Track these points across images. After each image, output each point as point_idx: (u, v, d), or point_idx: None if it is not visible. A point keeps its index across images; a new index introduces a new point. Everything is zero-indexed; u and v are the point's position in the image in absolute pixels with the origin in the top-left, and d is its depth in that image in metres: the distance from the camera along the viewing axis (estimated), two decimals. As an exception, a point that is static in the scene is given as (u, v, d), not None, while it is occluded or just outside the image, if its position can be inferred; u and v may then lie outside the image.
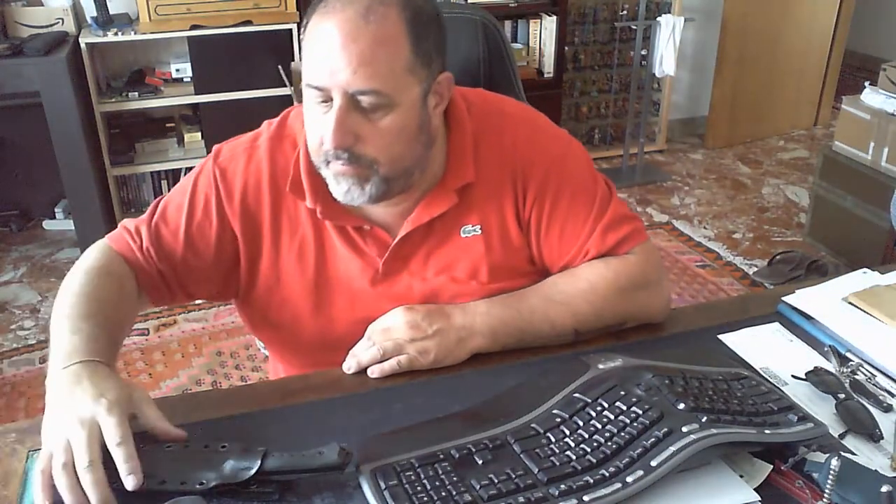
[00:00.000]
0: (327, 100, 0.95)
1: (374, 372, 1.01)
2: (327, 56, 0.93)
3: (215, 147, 1.13)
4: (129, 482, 0.79)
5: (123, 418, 0.83)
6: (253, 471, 0.80)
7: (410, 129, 0.99)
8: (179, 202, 1.09)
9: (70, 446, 0.80)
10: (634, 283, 1.09)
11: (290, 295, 1.11)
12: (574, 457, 0.81)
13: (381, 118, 0.96)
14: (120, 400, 0.84)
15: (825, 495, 0.79)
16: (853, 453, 0.88)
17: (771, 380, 1.00)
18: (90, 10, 3.21)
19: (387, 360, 1.02)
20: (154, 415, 0.87)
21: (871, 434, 0.91)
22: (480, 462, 0.81)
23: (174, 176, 3.48)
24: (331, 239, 1.09)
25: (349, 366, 1.03)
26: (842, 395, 0.96)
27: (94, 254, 1.09)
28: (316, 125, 0.97)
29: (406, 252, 1.09)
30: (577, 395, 0.89)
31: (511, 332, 1.06)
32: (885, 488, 0.76)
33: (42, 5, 3.20)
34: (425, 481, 0.78)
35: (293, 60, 3.24)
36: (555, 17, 3.72)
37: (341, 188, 1.00)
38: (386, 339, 1.03)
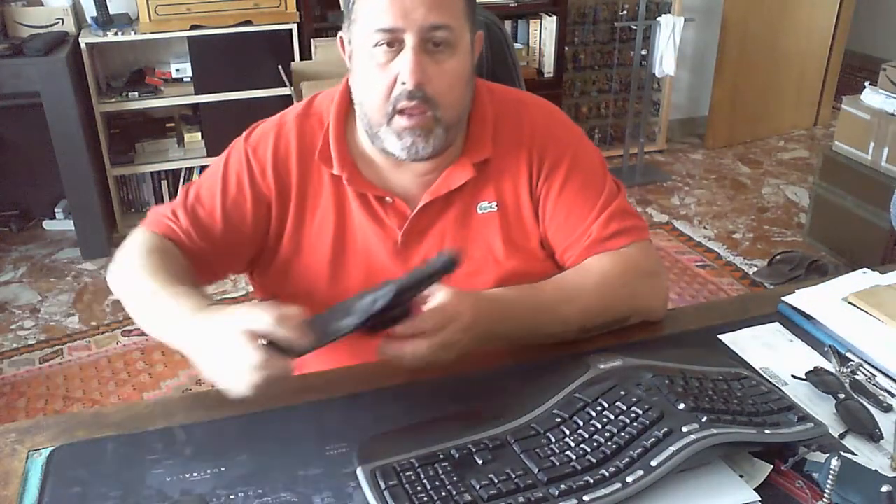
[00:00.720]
0: (395, 45, 1.00)
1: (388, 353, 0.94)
2: None
3: (245, 132, 1.16)
4: (302, 343, 0.84)
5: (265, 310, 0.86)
6: (389, 296, 0.83)
7: (466, 74, 1.06)
8: (212, 184, 1.12)
9: (240, 342, 0.84)
10: (640, 271, 1.11)
11: (310, 265, 1.13)
12: (574, 457, 0.81)
13: (446, 60, 1.02)
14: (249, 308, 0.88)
15: (825, 495, 0.79)
16: (853, 453, 0.88)
17: (771, 380, 1.00)
18: (90, 10, 3.21)
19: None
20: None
21: (871, 434, 0.91)
22: (480, 462, 0.81)
23: (174, 176, 3.49)
24: (352, 210, 1.12)
25: (390, 353, 0.93)
26: (842, 395, 0.96)
27: (140, 238, 1.10)
28: (379, 77, 1.01)
29: (424, 225, 1.12)
30: (577, 395, 0.89)
31: (524, 325, 1.04)
32: (885, 488, 0.76)
33: (42, 5, 3.20)
34: (425, 481, 0.78)
35: (293, 60, 3.24)
36: (555, 17, 3.72)
37: (404, 143, 1.03)
38: (440, 340, 0.93)
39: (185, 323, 0.92)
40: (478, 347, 0.99)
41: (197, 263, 1.10)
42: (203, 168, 3.43)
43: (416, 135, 1.03)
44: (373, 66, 1.02)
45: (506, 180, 1.13)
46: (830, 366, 1.04)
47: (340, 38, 1.10)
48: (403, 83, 1.00)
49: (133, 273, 1.04)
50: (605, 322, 1.09)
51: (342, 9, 1.09)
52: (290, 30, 3.27)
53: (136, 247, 1.08)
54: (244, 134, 1.16)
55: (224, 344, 0.86)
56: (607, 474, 0.79)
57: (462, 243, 1.12)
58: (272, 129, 1.14)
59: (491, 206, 1.13)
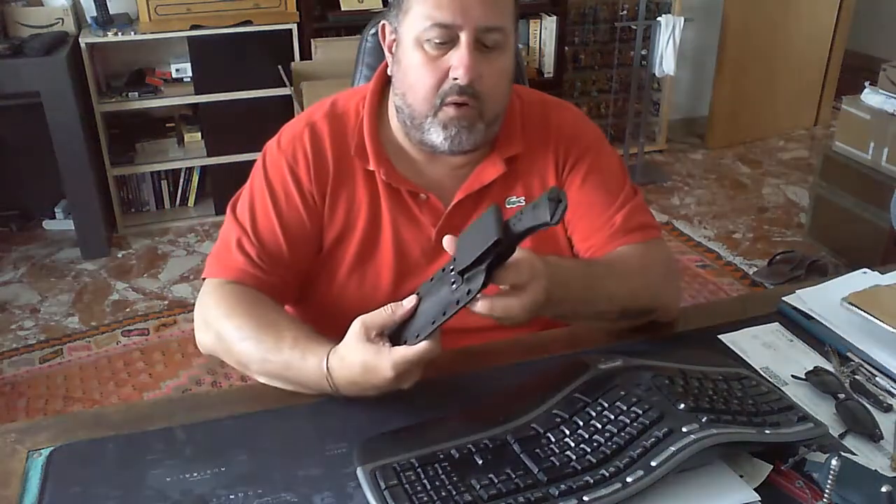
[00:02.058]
0: (448, 41, 1.01)
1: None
2: None
3: (269, 143, 1.16)
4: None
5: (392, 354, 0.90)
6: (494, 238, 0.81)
7: (511, 73, 1.08)
8: (262, 203, 1.11)
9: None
10: (669, 266, 1.15)
11: (339, 263, 1.14)
12: (574, 457, 0.81)
13: (496, 59, 1.04)
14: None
15: (825, 495, 0.79)
16: (853, 453, 0.88)
17: (771, 380, 1.00)
18: (90, 10, 3.21)
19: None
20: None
21: (871, 434, 0.91)
22: (480, 462, 0.81)
23: (174, 176, 3.49)
24: (385, 207, 1.13)
25: (484, 311, 0.89)
26: (842, 395, 0.96)
27: (218, 294, 1.06)
28: (430, 70, 1.03)
29: (457, 222, 1.12)
30: (577, 395, 0.89)
31: (577, 295, 1.00)
32: (885, 488, 0.76)
33: (42, 5, 3.20)
34: (425, 481, 0.78)
35: (293, 60, 3.24)
36: (555, 17, 3.72)
37: (448, 133, 1.05)
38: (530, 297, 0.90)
39: (324, 381, 0.95)
40: (532, 316, 0.93)
41: (275, 290, 1.09)
42: (203, 168, 3.44)
43: (461, 126, 1.04)
44: (423, 59, 1.03)
45: (534, 176, 1.15)
46: (830, 366, 1.04)
47: (383, 25, 1.10)
48: (455, 79, 1.02)
49: (235, 344, 1.01)
50: (641, 309, 1.09)
51: (391, 1, 1.09)
52: (290, 30, 3.27)
53: (220, 309, 1.04)
54: (273, 143, 1.15)
55: (367, 368, 0.90)
56: (607, 474, 0.79)
57: None
58: (304, 130, 1.13)
59: (519, 201, 1.15)
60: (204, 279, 1.10)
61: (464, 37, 1.01)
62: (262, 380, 1.00)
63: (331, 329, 1.18)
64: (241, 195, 1.14)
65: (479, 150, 1.10)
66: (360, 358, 0.90)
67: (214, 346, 1.05)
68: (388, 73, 1.12)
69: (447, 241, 0.89)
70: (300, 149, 1.12)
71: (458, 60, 1.01)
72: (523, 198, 1.15)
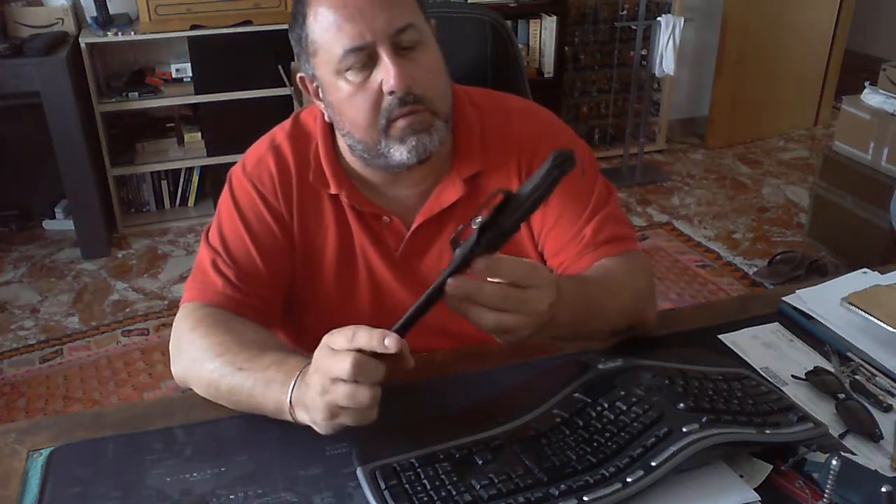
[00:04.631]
0: (368, 61, 0.98)
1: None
2: (358, 13, 0.96)
3: (233, 169, 1.13)
4: (392, 342, 0.77)
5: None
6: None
7: (442, 63, 1.04)
8: (233, 227, 1.09)
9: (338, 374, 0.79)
10: (648, 279, 1.09)
11: (316, 283, 1.12)
12: (574, 457, 0.81)
13: (421, 55, 1.00)
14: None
15: (825, 495, 0.79)
16: (853, 453, 0.88)
17: (771, 380, 1.00)
18: (90, 10, 3.21)
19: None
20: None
21: (871, 434, 0.91)
22: (480, 462, 0.81)
23: (174, 176, 3.49)
24: (354, 229, 1.11)
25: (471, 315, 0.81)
26: (842, 395, 0.96)
27: (192, 318, 1.02)
28: (362, 99, 0.99)
29: (421, 245, 1.11)
30: (577, 395, 0.89)
31: (576, 316, 0.93)
32: (885, 488, 0.76)
33: (42, 5, 3.20)
34: (425, 481, 0.78)
35: (293, 60, 3.23)
36: (555, 17, 3.72)
37: (409, 144, 1.01)
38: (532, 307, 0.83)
39: (286, 398, 0.87)
40: (534, 338, 0.87)
41: (255, 312, 1.06)
42: (203, 168, 3.44)
43: (418, 131, 1.01)
44: (351, 89, 0.99)
45: None
46: (830, 366, 1.04)
47: (301, 77, 1.07)
48: (391, 93, 0.98)
49: (206, 369, 0.95)
50: (629, 326, 1.04)
51: (295, 50, 1.06)
52: (290, 30, 3.27)
53: (195, 332, 0.99)
54: (238, 168, 1.13)
55: (319, 366, 0.81)
56: (607, 474, 0.79)
57: None
58: (267, 152, 1.12)
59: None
60: (180, 306, 1.06)
61: (381, 50, 0.97)
62: (230, 405, 0.95)
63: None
64: (212, 223, 1.12)
65: (436, 154, 1.05)
66: (316, 359, 0.83)
67: (185, 373, 0.99)
68: (327, 119, 1.08)
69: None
70: (265, 171, 1.10)
71: (385, 74, 0.97)
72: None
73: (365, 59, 0.97)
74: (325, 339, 0.82)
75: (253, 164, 1.12)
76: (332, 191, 1.09)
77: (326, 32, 0.98)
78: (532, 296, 0.81)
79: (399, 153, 1.01)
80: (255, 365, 0.91)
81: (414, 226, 1.10)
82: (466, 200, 1.09)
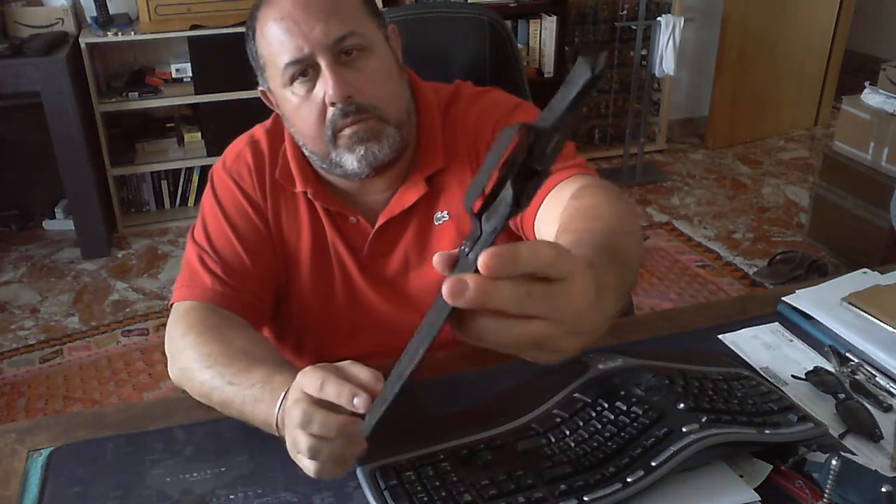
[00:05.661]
0: (308, 71, 0.99)
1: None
2: (295, 26, 0.97)
3: (214, 166, 1.14)
4: (361, 403, 0.73)
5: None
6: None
7: (392, 69, 1.04)
8: (217, 224, 1.09)
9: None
10: (620, 194, 0.96)
11: (296, 278, 1.12)
12: (574, 457, 0.81)
13: (365, 63, 1.00)
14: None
15: (825, 495, 0.79)
16: (853, 453, 0.88)
17: (771, 380, 1.00)
18: (90, 10, 3.21)
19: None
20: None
21: (871, 434, 0.91)
22: (480, 462, 0.80)
23: (174, 176, 3.49)
24: (325, 226, 1.11)
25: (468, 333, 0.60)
26: (842, 395, 0.96)
27: (185, 319, 1.00)
28: (308, 110, 1.00)
29: (385, 244, 1.12)
30: (577, 395, 0.89)
31: (620, 292, 0.70)
32: (885, 488, 0.76)
33: (42, 5, 3.21)
34: (425, 481, 0.78)
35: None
36: (555, 17, 3.72)
37: (356, 155, 1.01)
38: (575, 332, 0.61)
39: (274, 413, 0.84)
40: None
41: (245, 310, 1.05)
42: (203, 168, 3.44)
43: (366, 140, 1.00)
44: (297, 101, 1.00)
45: (455, 187, 1.10)
46: (830, 366, 1.04)
47: (262, 92, 1.09)
48: (333, 104, 0.98)
49: (197, 380, 0.94)
50: (640, 254, 0.84)
51: (253, 66, 1.09)
52: (290, 30, 3.27)
53: (187, 338, 0.97)
54: (219, 164, 1.14)
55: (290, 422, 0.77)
56: (607, 474, 0.79)
57: (423, 257, 1.11)
58: (245, 147, 1.13)
59: (444, 216, 1.11)
60: (171, 305, 1.05)
61: (321, 60, 0.97)
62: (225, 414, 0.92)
63: (304, 348, 1.19)
64: (197, 221, 1.12)
65: (400, 160, 1.07)
66: (287, 399, 0.79)
67: (179, 380, 0.98)
68: (290, 131, 1.09)
69: (437, 259, 0.57)
70: (243, 164, 1.11)
71: (324, 85, 0.97)
72: (446, 211, 1.10)
73: (306, 70, 0.98)
74: (299, 378, 0.78)
75: (232, 159, 1.13)
76: (298, 188, 1.09)
77: (270, 46, 1.00)
78: (560, 291, 0.55)
79: (350, 162, 1.02)
80: (244, 380, 0.88)
81: (377, 226, 1.10)
82: (427, 198, 1.10)
